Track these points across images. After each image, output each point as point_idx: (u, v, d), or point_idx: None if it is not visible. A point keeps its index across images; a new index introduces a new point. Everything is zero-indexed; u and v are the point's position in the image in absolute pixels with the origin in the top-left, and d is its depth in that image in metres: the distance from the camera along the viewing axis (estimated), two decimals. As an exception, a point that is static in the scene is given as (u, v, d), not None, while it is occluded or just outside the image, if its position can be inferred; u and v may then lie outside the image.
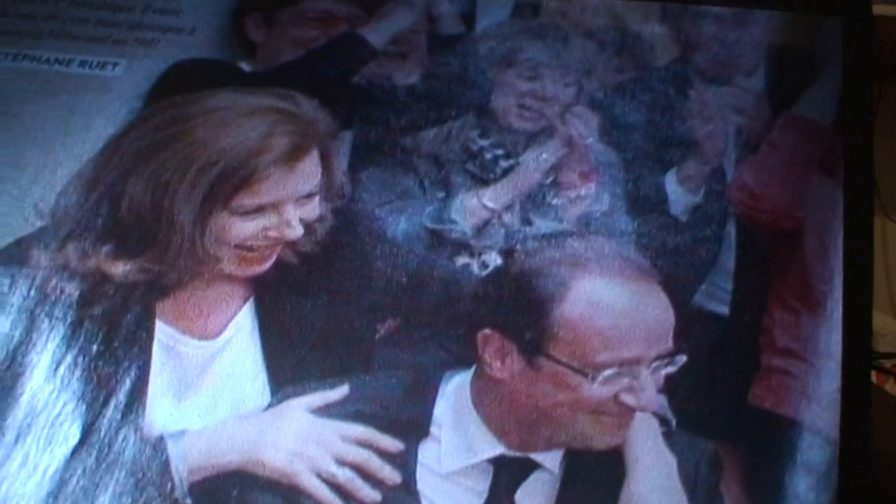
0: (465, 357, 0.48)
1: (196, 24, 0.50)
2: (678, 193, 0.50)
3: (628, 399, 0.46)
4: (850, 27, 0.49)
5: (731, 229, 0.49)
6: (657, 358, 0.47)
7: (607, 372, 0.46)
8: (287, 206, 0.48)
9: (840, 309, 0.48)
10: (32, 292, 0.48)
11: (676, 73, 0.50)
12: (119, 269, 0.48)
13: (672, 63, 0.50)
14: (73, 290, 0.48)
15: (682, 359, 0.47)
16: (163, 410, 0.46)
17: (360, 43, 0.50)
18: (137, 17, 0.50)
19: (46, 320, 0.48)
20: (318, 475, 0.45)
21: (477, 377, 0.47)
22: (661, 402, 0.47)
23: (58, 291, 0.48)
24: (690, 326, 0.48)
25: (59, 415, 0.46)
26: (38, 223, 0.49)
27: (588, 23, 0.50)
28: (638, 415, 0.46)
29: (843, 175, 0.49)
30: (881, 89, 1.24)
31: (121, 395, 0.46)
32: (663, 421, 0.47)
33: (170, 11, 0.50)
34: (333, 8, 0.50)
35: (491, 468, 0.46)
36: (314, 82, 0.50)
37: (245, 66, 0.50)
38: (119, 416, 0.46)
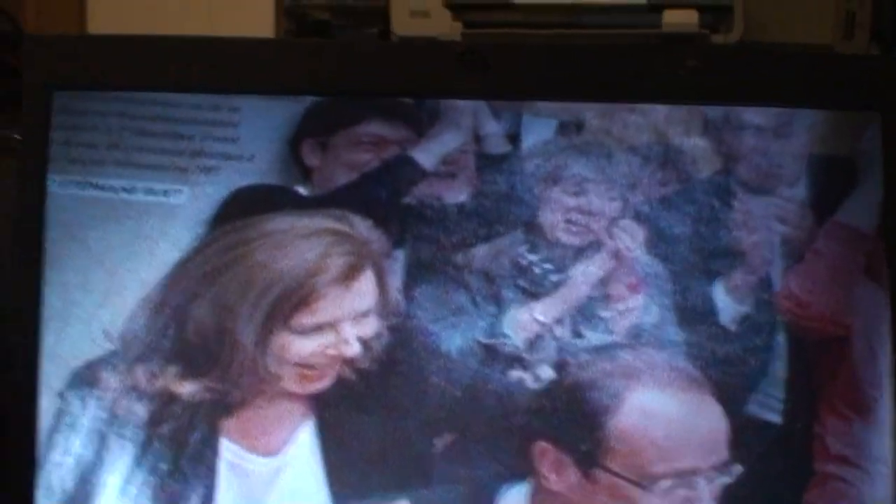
0: (521, 470, 0.49)
1: (254, 151, 0.52)
2: (726, 303, 0.51)
3: (685, 509, 0.46)
4: (889, 125, 0.51)
5: (780, 338, 0.50)
6: (713, 468, 0.47)
7: (664, 483, 0.47)
8: (344, 325, 0.50)
9: (891, 415, 0.49)
10: (103, 413, 0.50)
11: (720, 184, 0.52)
12: (186, 388, 0.50)
13: (715, 175, 0.52)
14: (142, 410, 0.50)
15: (738, 468, 0.48)
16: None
17: (410, 164, 0.52)
18: (198, 145, 0.52)
19: (117, 440, 0.49)
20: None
21: (534, 490, 0.48)
22: (718, 511, 0.47)
23: (127, 412, 0.50)
24: (743, 436, 0.49)
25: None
26: (108, 346, 0.51)
27: (631, 138, 0.52)
28: (695, 524, 0.47)
29: (888, 281, 0.50)
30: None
31: (189, 513, 0.48)
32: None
33: (229, 139, 0.52)
34: (385, 132, 0.52)
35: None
36: (368, 203, 0.52)
37: (301, 190, 0.52)
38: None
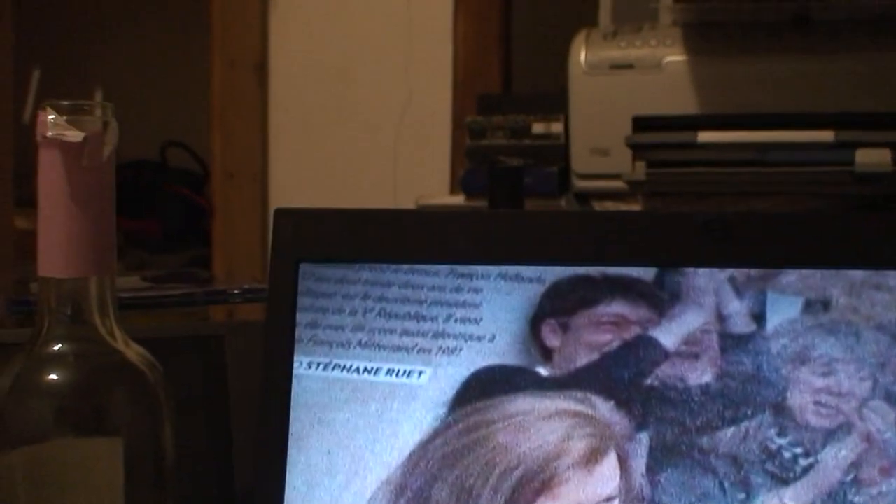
0: None
1: (495, 331, 0.53)
2: None
3: None
4: None
5: None
6: None
7: None
8: None
9: None
10: None
11: (973, 363, 0.50)
12: None
13: (968, 353, 0.50)
14: None
15: None
16: None
17: (652, 345, 0.52)
18: (440, 326, 0.53)
19: None
20: None
21: None
22: None
23: None
24: None
25: None
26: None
27: (879, 316, 0.51)
28: None
29: None
30: None
31: None
32: None
33: (471, 321, 0.53)
34: (626, 312, 0.52)
35: None
36: (609, 385, 0.51)
37: (542, 371, 0.52)
38: None
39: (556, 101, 1.25)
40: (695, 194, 1.16)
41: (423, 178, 1.07)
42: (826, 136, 1.10)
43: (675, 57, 1.23)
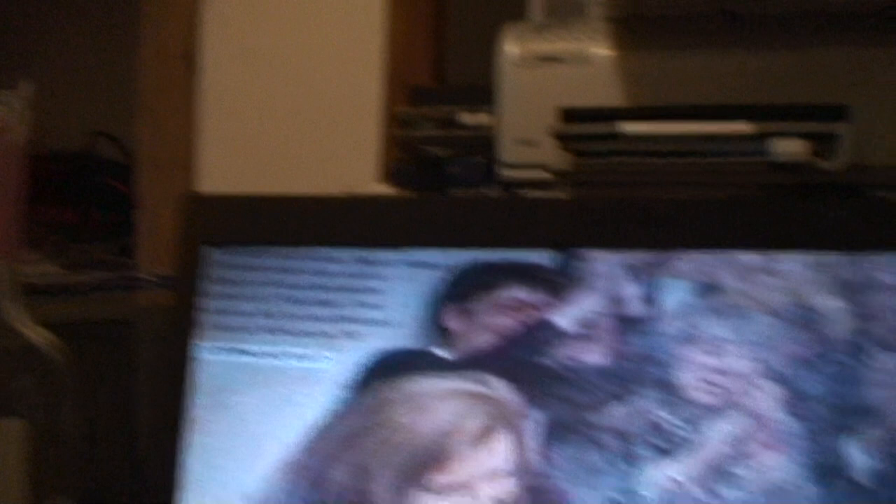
0: None
1: (398, 316, 0.54)
2: (862, 460, 0.51)
3: None
4: None
5: (917, 495, 0.50)
6: None
7: None
8: (480, 485, 0.51)
9: None
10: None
11: (856, 344, 0.52)
12: None
13: (851, 335, 0.52)
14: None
15: None
16: None
17: (550, 328, 0.53)
18: (345, 312, 0.54)
19: None
20: None
21: None
22: None
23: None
24: None
25: None
26: (246, 510, 0.52)
27: (767, 300, 0.53)
28: None
29: None
30: None
31: None
32: None
33: (375, 306, 0.54)
34: (525, 296, 0.54)
35: None
36: (507, 366, 0.53)
37: (442, 353, 0.54)
38: None
39: (487, 94, 1.26)
40: (620, 184, 1.18)
41: (354, 168, 1.07)
42: (746, 127, 1.13)
43: (602, 50, 1.25)
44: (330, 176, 1.33)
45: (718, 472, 0.52)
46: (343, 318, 0.55)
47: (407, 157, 1.23)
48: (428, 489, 0.51)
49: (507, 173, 1.27)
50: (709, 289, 0.54)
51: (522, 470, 0.52)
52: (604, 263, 0.55)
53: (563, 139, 1.18)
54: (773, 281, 0.54)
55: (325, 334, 0.55)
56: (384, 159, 1.32)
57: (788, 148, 1.09)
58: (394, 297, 0.55)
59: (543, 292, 0.55)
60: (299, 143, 1.39)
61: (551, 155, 1.19)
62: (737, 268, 0.54)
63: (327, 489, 0.52)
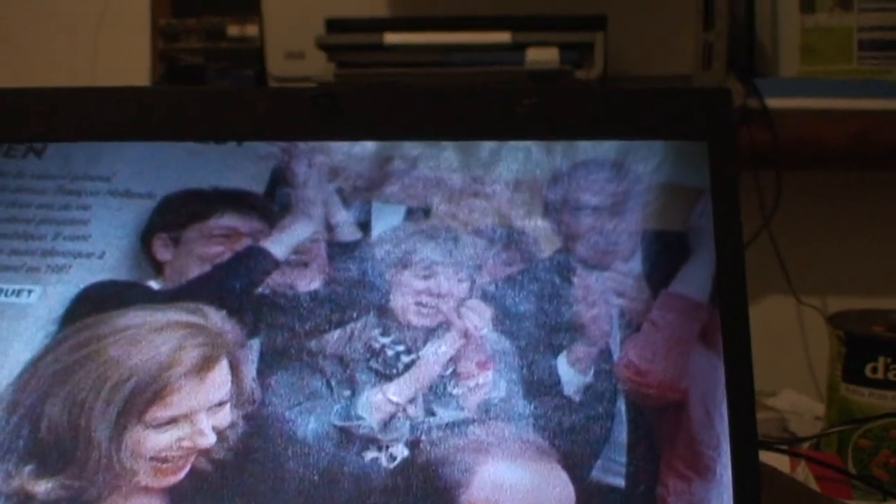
0: (380, 548, 0.50)
1: (105, 248, 0.52)
2: (570, 375, 0.52)
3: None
4: (715, 153, 0.52)
5: (622, 405, 0.52)
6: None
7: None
8: (199, 416, 0.50)
9: (729, 472, 0.50)
10: (-44, 517, 0.49)
11: (560, 263, 0.53)
12: (41, 487, 0.49)
13: (556, 254, 0.53)
14: (-3, 511, 0.49)
15: (583, 531, 0.49)
16: None
17: (262, 255, 0.52)
18: (49, 244, 0.51)
19: (-29, 544, 0.49)
20: None
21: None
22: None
23: (-18, 514, 0.49)
24: (590, 500, 0.50)
25: None
26: (-40, 449, 0.50)
27: (476, 222, 0.53)
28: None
29: (721, 347, 0.52)
30: (781, 177, 1.28)
31: None
32: None
33: (79, 238, 0.52)
34: (237, 224, 0.53)
35: None
36: (221, 295, 0.52)
37: (154, 285, 0.52)
38: None
39: (252, 3, 1.22)
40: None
41: (124, 83, 1.02)
42: (504, 37, 1.14)
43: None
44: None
45: (434, 392, 0.52)
46: (47, 252, 0.53)
47: (171, 70, 1.18)
48: (147, 423, 0.50)
49: (276, 86, 1.25)
50: (418, 212, 0.54)
51: (242, 399, 0.51)
52: (315, 190, 0.54)
53: (327, 49, 1.16)
54: (480, 203, 0.54)
55: (29, 268, 0.52)
56: (154, 74, 1.27)
57: (542, 56, 1.10)
58: (100, 228, 0.53)
59: (256, 220, 0.53)
60: (68, 59, 1.33)
61: (320, 67, 1.17)
62: (445, 191, 0.54)
63: (42, 426, 0.50)
